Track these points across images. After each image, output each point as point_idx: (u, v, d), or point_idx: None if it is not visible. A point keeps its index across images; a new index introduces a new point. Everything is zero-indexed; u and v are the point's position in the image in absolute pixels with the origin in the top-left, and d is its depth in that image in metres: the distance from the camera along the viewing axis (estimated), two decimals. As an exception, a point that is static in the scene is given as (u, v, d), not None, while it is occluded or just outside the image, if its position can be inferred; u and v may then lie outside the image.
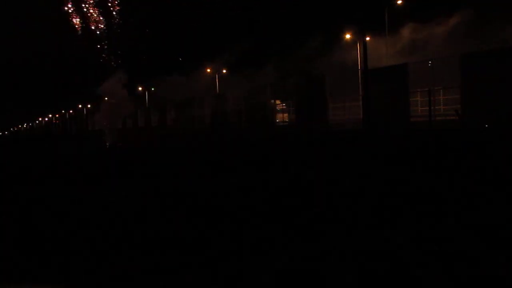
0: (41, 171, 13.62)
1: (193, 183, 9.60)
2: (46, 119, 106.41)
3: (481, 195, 6.74)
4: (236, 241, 4.99)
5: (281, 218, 5.98)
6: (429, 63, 24.42)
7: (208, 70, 53.37)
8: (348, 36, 39.85)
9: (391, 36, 36.23)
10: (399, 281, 3.69)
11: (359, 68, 35.10)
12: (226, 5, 65.41)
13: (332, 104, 29.60)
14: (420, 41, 34.00)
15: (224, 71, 52.05)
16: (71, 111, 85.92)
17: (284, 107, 39.71)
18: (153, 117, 50.28)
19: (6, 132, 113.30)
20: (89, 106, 73.61)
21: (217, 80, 51.92)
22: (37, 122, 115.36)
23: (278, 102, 37.21)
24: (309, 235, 5.11)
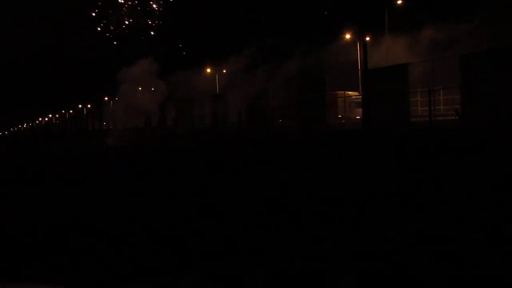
0: (39, 171, 13.62)
1: (192, 183, 9.60)
2: (46, 119, 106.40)
3: (482, 195, 6.74)
4: (235, 241, 4.98)
5: (279, 218, 5.97)
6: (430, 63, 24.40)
7: (208, 70, 53.34)
8: (350, 36, 39.89)
9: (410, 36, 36.15)
10: (399, 281, 3.69)
11: (359, 68, 35.10)
12: (228, 6, 65.40)
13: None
14: (439, 41, 33.95)
15: (224, 71, 52.03)
16: (71, 111, 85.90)
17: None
18: (152, 118, 50.07)
19: (6, 132, 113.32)
20: (89, 106, 73.52)
21: (217, 81, 51.88)
22: (37, 122, 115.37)
23: (356, 93, 33.39)
24: (309, 235, 5.11)
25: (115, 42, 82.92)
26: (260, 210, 6.53)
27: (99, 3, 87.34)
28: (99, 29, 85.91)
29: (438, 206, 6.20)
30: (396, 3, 40.07)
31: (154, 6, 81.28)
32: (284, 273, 3.91)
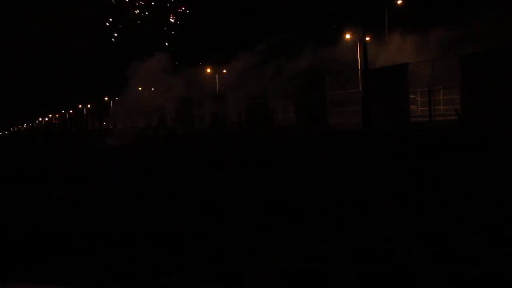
0: (39, 171, 13.61)
1: (192, 183, 9.59)
2: (46, 119, 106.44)
3: (482, 195, 6.74)
4: (235, 241, 4.98)
5: (279, 218, 5.97)
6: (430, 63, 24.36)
7: (208, 70, 53.38)
8: (350, 36, 39.96)
9: (411, 37, 36.19)
10: (399, 281, 3.69)
11: (359, 68, 35.10)
12: (226, 5, 65.47)
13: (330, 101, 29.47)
14: (440, 41, 33.95)
15: (224, 71, 52.02)
16: (71, 111, 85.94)
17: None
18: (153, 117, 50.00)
19: (6, 132, 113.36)
20: (89, 106, 73.55)
21: (217, 80, 51.88)
22: (37, 122, 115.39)
23: None
24: (309, 235, 5.11)
25: (129, 47, 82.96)
26: (260, 210, 6.53)
27: (112, 8, 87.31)
28: (113, 40, 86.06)
29: (438, 206, 6.20)
30: (396, 3, 40.12)
31: (171, 20, 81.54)
32: (284, 273, 3.91)
